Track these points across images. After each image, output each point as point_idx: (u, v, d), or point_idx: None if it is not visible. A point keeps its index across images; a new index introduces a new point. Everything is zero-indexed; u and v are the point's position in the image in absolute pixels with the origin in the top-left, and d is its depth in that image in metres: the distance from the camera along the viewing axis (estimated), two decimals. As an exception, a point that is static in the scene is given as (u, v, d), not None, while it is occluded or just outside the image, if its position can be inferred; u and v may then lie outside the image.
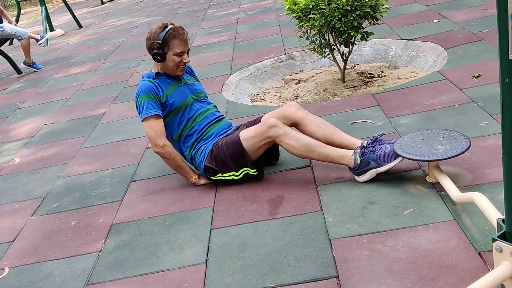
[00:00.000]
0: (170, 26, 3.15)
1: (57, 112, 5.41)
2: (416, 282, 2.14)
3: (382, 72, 5.20)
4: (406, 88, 4.17)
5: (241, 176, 3.14)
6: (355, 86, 4.92)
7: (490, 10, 5.76)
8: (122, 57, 7.29)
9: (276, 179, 3.17)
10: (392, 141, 2.92)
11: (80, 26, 10.74)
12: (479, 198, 2.19)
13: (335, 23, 4.51)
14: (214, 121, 3.31)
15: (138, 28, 9.22)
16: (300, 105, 3.43)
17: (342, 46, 4.91)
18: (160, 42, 3.12)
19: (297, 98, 4.97)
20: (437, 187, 2.75)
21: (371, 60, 5.51)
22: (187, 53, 3.22)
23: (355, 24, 4.55)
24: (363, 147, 2.91)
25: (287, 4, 4.83)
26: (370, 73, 5.22)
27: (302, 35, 4.88)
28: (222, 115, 3.42)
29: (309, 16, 4.59)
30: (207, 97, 3.45)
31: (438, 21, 5.77)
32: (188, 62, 3.24)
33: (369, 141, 2.98)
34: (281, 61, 5.72)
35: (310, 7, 4.54)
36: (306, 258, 2.41)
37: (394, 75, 5.00)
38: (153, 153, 3.76)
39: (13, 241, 3.09)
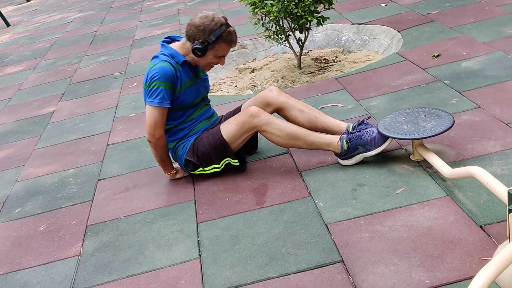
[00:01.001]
0: (226, 28, 2.84)
1: (0, 114, 5.09)
2: (424, 260, 2.11)
3: (337, 57, 5.20)
4: (369, 71, 4.16)
5: (222, 166, 3.01)
6: (312, 72, 4.88)
7: (433, -7, 5.87)
8: (61, 53, 6.96)
9: (256, 167, 3.07)
10: (374, 124, 2.88)
11: (8, 24, 10.20)
12: (479, 172, 2.18)
13: (292, 8, 4.44)
14: (206, 117, 3.14)
15: (72, 24, 8.84)
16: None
17: (297, 32, 4.86)
18: (211, 40, 2.82)
19: (254, 86, 4.89)
20: (423, 165, 2.74)
21: (324, 46, 5.49)
22: (224, 58, 2.99)
23: (312, 8, 4.50)
24: (349, 132, 2.85)
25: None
26: (325, 59, 5.20)
27: (257, 22, 4.79)
28: (214, 111, 3.26)
29: (265, 1, 4.50)
30: (208, 97, 3.24)
31: (386, 5, 5.83)
32: (223, 64, 3.01)
33: (355, 124, 2.93)
34: (233, 50, 5.60)
35: (266, -8, 4.44)
36: (305, 245, 2.33)
37: (349, 60, 5.00)
38: (117, 150, 3.59)
39: (-23, 252, 2.85)
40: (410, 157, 2.83)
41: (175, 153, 3.07)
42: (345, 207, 2.54)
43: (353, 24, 5.43)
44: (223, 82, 5.17)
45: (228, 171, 3.04)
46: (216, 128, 2.98)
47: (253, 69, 5.33)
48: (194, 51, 2.85)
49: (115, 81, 5.29)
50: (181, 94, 2.94)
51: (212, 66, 3.00)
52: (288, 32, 4.78)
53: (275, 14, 4.49)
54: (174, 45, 2.97)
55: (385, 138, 2.76)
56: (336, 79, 4.18)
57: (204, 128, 3.09)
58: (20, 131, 4.51)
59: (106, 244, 2.66)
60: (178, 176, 3.12)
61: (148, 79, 2.88)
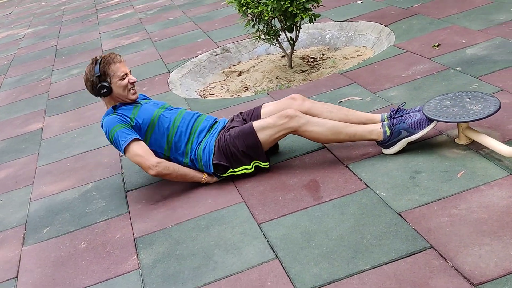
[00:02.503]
0: (98, 57, 3.03)
1: (-20, 134, 4.78)
2: (516, 237, 2.11)
3: (324, 55, 5.21)
4: (373, 64, 4.19)
5: (253, 168, 2.94)
6: (305, 71, 4.87)
7: (406, -12, 6.00)
8: (25, 69, 6.64)
9: (297, 165, 3.01)
10: (416, 109, 2.89)
11: (-51, 44, 9.63)
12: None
13: (287, 6, 4.41)
14: (194, 118, 3.10)
15: (25, 40, 8.47)
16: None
17: (287, 32, 4.83)
18: (99, 75, 2.96)
19: (247, 89, 4.83)
20: (472, 147, 2.76)
21: (308, 45, 5.50)
22: (130, 73, 3.06)
23: (307, 6, 4.50)
24: (391, 117, 2.85)
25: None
26: (312, 57, 5.20)
27: (248, 23, 4.73)
28: (197, 112, 3.20)
29: (259, 1, 4.45)
30: (171, 105, 3.25)
31: (362, 2, 5.91)
32: (135, 81, 3.06)
33: (391, 112, 2.92)
34: (217, 54, 5.52)
35: (260, -8, 4.39)
36: (385, 235, 2.29)
37: (339, 56, 5.02)
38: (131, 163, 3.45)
39: (16, 277, 2.65)
40: (456, 141, 2.85)
41: (198, 163, 2.99)
42: (410, 194, 2.52)
43: (335, 21, 5.47)
44: (213, 86, 5.08)
45: (266, 172, 2.96)
46: (249, 129, 2.90)
47: (240, 72, 5.26)
48: (104, 94, 3.00)
49: (100, 92, 5.07)
50: (137, 119, 3.02)
51: (131, 88, 3.05)
52: (279, 32, 4.74)
53: (269, 13, 4.44)
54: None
55: (430, 120, 2.76)
56: (341, 74, 4.18)
57: (202, 127, 3.07)
58: (11, 150, 4.25)
59: (166, 254, 2.52)
60: (214, 179, 3.02)
61: (108, 138, 3.00)
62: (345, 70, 4.24)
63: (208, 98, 4.66)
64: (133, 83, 3.05)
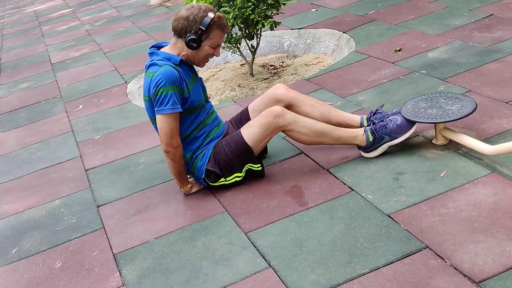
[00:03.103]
0: (214, 13, 2.70)
1: None
2: (509, 233, 2.13)
3: (283, 62, 5.20)
4: (337, 70, 4.20)
5: (244, 174, 2.86)
6: (267, 78, 4.84)
7: (359, -4, 6.09)
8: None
9: (276, 171, 2.96)
10: (394, 111, 2.90)
11: None
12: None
13: (249, 13, 4.38)
14: (217, 124, 2.97)
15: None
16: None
17: (247, 39, 4.80)
18: (204, 29, 2.66)
19: (209, 98, 4.75)
20: (450, 147, 2.79)
21: (267, 52, 5.48)
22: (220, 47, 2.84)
23: (268, 13, 4.48)
24: (373, 123, 2.84)
25: (188, 1, 4.58)
26: (272, 65, 5.19)
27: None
28: (219, 117, 3.07)
29: (221, 9, 4.39)
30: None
31: (316, 10, 5.95)
32: (218, 56, 2.86)
33: (369, 115, 2.93)
34: (174, 64, 5.41)
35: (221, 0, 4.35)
36: (378, 237, 2.27)
37: (299, 63, 5.02)
38: (100, 174, 3.32)
39: (-12, 302, 2.47)
40: (433, 141, 2.87)
41: (192, 165, 2.87)
42: (397, 196, 2.51)
43: (293, 29, 5.48)
44: (173, 96, 4.97)
45: (247, 180, 2.89)
46: (236, 134, 2.83)
47: (199, 81, 5.18)
48: (189, 43, 2.69)
49: (54, 106, 4.89)
50: (189, 95, 2.76)
51: (207, 60, 2.85)
52: (240, 40, 4.70)
53: (231, 21, 4.39)
54: (165, 49, 2.82)
55: (411, 124, 2.77)
56: (307, 80, 4.17)
57: (217, 135, 2.93)
58: (-36, 168, 4.01)
59: (151, 269, 2.41)
60: (194, 190, 2.93)
61: (152, 87, 2.68)
62: (310, 76, 4.24)
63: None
64: (211, 57, 2.83)
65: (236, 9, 4.33)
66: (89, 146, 3.85)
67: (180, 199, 2.90)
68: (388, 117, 2.84)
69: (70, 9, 9.88)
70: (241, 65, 5.33)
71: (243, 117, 3.05)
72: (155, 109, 2.71)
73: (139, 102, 4.64)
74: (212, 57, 2.85)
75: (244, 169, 2.84)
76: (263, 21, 4.46)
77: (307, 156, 3.03)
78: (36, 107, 4.96)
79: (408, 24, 4.76)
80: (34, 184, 3.49)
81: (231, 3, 4.36)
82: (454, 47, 4.02)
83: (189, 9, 2.70)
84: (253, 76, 4.89)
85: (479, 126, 2.93)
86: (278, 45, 5.48)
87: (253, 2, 4.35)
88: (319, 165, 2.92)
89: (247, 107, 3.07)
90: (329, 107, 3.01)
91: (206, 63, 2.88)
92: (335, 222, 2.43)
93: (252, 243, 2.43)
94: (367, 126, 2.87)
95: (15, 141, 4.28)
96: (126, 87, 4.93)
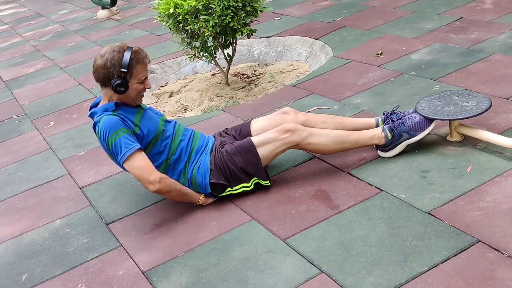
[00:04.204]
0: (129, 49, 2.63)
1: None
2: (556, 222, 2.17)
3: (255, 71, 5.16)
4: (322, 75, 4.20)
5: (252, 186, 2.79)
6: (244, 87, 4.78)
7: (319, 4, 6.16)
8: None
9: (294, 176, 2.90)
10: (410, 111, 2.91)
11: None
12: None
13: (229, 21, 4.31)
14: (192, 135, 2.89)
15: None
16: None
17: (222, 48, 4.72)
18: (125, 70, 2.59)
19: (186, 110, 4.63)
20: (466, 143, 2.82)
21: (237, 62, 5.41)
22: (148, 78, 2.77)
23: (247, 21, 4.43)
24: (390, 120, 2.84)
25: (161, 10, 4.45)
26: (244, 74, 5.13)
27: (183, 41, 4.56)
28: (190, 128, 3.00)
29: (200, 17, 4.30)
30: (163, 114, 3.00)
31: (280, 18, 5.96)
32: (150, 87, 2.78)
33: (385, 116, 2.93)
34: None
35: (200, 7, 4.25)
36: (426, 235, 2.26)
37: (273, 71, 4.99)
38: (98, 190, 3.15)
39: (10, 334, 2.25)
40: (448, 138, 2.90)
41: (193, 184, 2.78)
42: (430, 193, 2.51)
43: (261, 38, 5.45)
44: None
45: (265, 187, 2.82)
46: (247, 145, 2.76)
47: (171, 92, 5.06)
48: (116, 89, 2.64)
49: (21, 124, 4.61)
50: (141, 129, 2.70)
51: (142, 95, 2.79)
52: (217, 49, 4.62)
53: (209, 29, 4.31)
54: (100, 103, 2.79)
55: (429, 121, 2.79)
56: (294, 86, 4.14)
57: (199, 146, 2.85)
58: None
59: (191, 284, 2.28)
60: (210, 200, 2.82)
61: (104, 143, 2.67)
62: (296, 82, 4.21)
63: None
64: (145, 90, 2.75)
65: (216, 17, 4.25)
66: (75, 163, 3.64)
67: (198, 211, 2.78)
68: (405, 115, 2.85)
69: (6, 26, 9.42)
70: (212, 74, 5.24)
71: (244, 132, 2.97)
72: (118, 160, 2.64)
73: (116, 115, 4.44)
74: (144, 91, 2.78)
75: (251, 181, 2.77)
76: (242, 28, 4.40)
77: (322, 160, 2.99)
78: (0, 126, 4.65)
79: (380, 29, 4.83)
80: (24, 205, 3.25)
81: (209, 11, 4.27)
82: (435, 49, 4.12)
83: (104, 56, 2.64)
84: (228, 85, 4.81)
85: (488, 122, 2.98)
86: (248, 54, 5.43)
87: (232, 9, 4.28)
88: (337, 168, 2.88)
89: (250, 124, 2.99)
90: (340, 118, 2.99)
91: (142, 98, 2.80)
92: (375, 223, 2.39)
93: (293, 249, 2.35)
94: (385, 124, 2.86)
95: (-13, 162, 3.99)
96: (98, 101, 4.71)
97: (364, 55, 4.36)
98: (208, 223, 2.67)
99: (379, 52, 4.30)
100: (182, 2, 4.30)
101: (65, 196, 3.24)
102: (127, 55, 2.60)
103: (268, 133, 2.77)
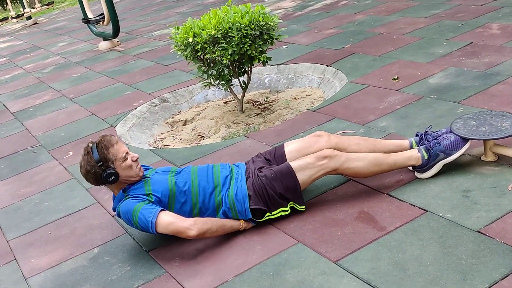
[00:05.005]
0: (91, 145, 2.79)
1: None
2: None
3: (268, 98, 5.21)
4: (341, 100, 4.25)
5: (289, 210, 2.82)
6: (259, 114, 4.82)
7: (325, 32, 6.27)
8: None
9: (333, 199, 2.92)
10: (443, 131, 2.95)
11: None
12: None
13: (247, 49, 4.37)
14: (211, 171, 2.91)
15: None
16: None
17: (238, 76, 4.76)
18: (101, 163, 2.73)
19: (202, 137, 4.65)
20: (502, 163, 2.87)
21: (248, 89, 5.46)
22: (129, 151, 2.85)
23: (264, 48, 4.49)
24: (425, 140, 2.88)
25: (178, 40, 4.50)
26: (256, 101, 5.18)
27: (199, 69, 4.60)
28: (207, 164, 3.02)
29: (218, 46, 4.35)
30: (176, 167, 3.06)
31: (287, 46, 6.04)
32: (138, 157, 2.86)
33: (419, 137, 2.97)
34: (156, 105, 5.29)
35: (219, 36, 4.31)
36: (480, 253, 2.28)
37: (285, 98, 5.04)
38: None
39: None
40: (482, 158, 2.95)
41: (232, 211, 2.79)
42: (476, 212, 2.54)
43: (271, 65, 5.51)
44: (163, 137, 4.83)
45: (306, 210, 2.84)
46: (287, 170, 2.78)
47: (185, 121, 5.08)
48: (113, 181, 2.77)
49: (38, 155, 4.59)
50: (154, 194, 2.78)
51: (138, 166, 2.86)
52: (233, 76, 4.67)
53: (228, 57, 4.36)
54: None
55: (464, 141, 2.84)
56: (314, 111, 4.18)
57: (223, 175, 2.88)
58: (-42, 226, 3.64)
59: (248, 309, 2.27)
60: (251, 224, 2.83)
61: (132, 224, 2.75)
62: (316, 107, 4.26)
63: (161, 148, 4.40)
64: (136, 160, 2.83)
65: (234, 45, 4.30)
66: (102, 191, 3.63)
67: (240, 236, 2.78)
68: (439, 135, 2.90)
69: (5, 58, 9.42)
70: (225, 102, 5.28)
71: (278, 155, 3.00)
72: (150, 231, 2.69)
73: (136, 143, 4.45)
74: (136, 163, 2.84)
75: (289, 205, 2.80)
76: (259, 56, 4.46)
77: (358, 182, 3.02)
78: (16, 157, 4.63)
79: (392, 55, 4.92)
80: (57, 235, 3.22)
81: (227, 39, 4.33)
82: (451, 73, 4.20)
83: (81, 164, 2.80)
84: (243, 112, 4.85)
85: (519, 141, 3.04)
86: (258, 82, 5.48)
87: (250, 38, 4.34)
88: (375, 190, 2.91)
89: (283, 146, 3.02)
90: (372, 140, 3.03)
91: (140, 167, 2.87)
92: (427, 243, 2.41)
93: (347, 271, 2.35)
94: (421, 145, 2.91)
95: (9, 194, 3.96)
96: (115, 130, 4.72)
97: (380, 80, 4.43)
98: (253, 247, 2.67)
99: (396, 77, 4.38)
100: (201, 31, 4.35)
101: (98, 225, 3.22)
102: (95, 150, 2.74)
103: (306, 158, 2.80)
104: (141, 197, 2.74)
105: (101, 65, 7.18)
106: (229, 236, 2.79)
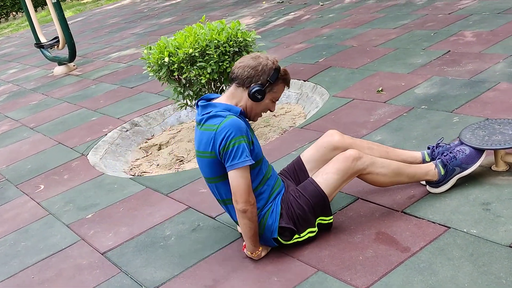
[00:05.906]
0: (279, 66, 2.57)
1: None
2: None
3: (244, 116, 5.02)
4: (327, 115, 4.12)
5: (316, 229, 2.63)
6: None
7: (294, 47, 6.16)
8: None
9: (344, 220, 2.75)
10: (456, 143, 2.84)
11: None
12: None
13: (226, 67, 4.19)
14: (275, 179, 2.70)
15: None
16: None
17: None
18: (272, 81, 2.51)
19: (182, 161, 4.43)
20: (515, 172, 2.78)
21: (223, 108, 5.26)
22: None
23: (244, 65, 4.31)
24: (442, 154, 2.76)
25: (152, 60, 4.28)
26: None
27: (175, 89, 4.38)
28: (276, 172, 2.82)
29: (196, 64, 4.15)
30: None
31: (258, 63, 5.88)
32: (273, 110, 2.67)
33: (431, 150, 2.85)
34: (127, 130, 5.02)
35: (196, 54, 4.11)
36: (518, 269, 2.15)
37: (265, 116, 4.87)
38: (125, 255, 2.90)
39: None
40: (493, 168, 2.85)
41: (260, 224, 2.58)
42: (501, 225, 2.42)
43: (245, 83, 5.33)
44: (138, 164, 4.57)
45: (317, 236, 2.66)
46: (310, 184, 2.60)
47: (160, 145, 4.83)
48: (254, 94, 2.52)
49: (5, 190, 4.25)
50: (254, 147, 2.54)
51: (261, 115, 2.67)
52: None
53: (207, 76, 4.16)
54: (220, 100, 2.60)
55: (479, 153, 2.73)
56: (301, 128, 4.03)
57: (280, 189, 2.67)
58: None
59: None
60: (263, 253, 2.62)
61: (219, 141, 2.43)
62: (304, 124, 4.10)
63: (139, 177, 4.14)
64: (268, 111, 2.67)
65: (213, 63, 4.11)
66: (85, 227, 3.35)
67: (252, 266, 2.58)
68: (453, 148, 2.78)
69: (-49, 89, 8.90)
70: (199, 124, 5.05)
71: (298, 168, 2.83)
72: (227, 165, 2.43)
73: (113, 173, 4.18)
74: (266, 112, 2.66)
75: (316, 223, 2.61)
76: (239, 73, 4.28)
77: (366, 200, 2.86)
78: (-19, 194, 4.27)
79: (370, 67, 4.84)
80: (42, 279, 2.93)
81: (205, 58, 4.13)
82: (436, 82, 4.13)
83: (257, 59, 2.53)
84: (222, 133, 4.64)
85: (526, 149, 2.95)
86: (233, 100, 5.28)
87: (228, 55, 4.17)
88: (388, 208, 2.76)
89: (299, 158, 2.85)
90: (385, 147, 2.88)
91: (258, 119, 2.67)
92: (458, 262, 2.27)
93: (379, 299, 2.18)
94: (432, 160, 2.78)
95: (-20, 234, 3.61)
96: (88, 159, 4.43)
97: (364, 92, 4.32)
98: (269, 279, 2.46)
99: (380, 89, 4.28)
100: (176, 50, 4.14)
101: (87, 264, 2.94)
102: (278, 69, 2.53)
103: (329, 166, 2.61)
104: (248, 134, 2.48)
105: (60, 91, 6.84)
106: (238, 267, 2.58)
